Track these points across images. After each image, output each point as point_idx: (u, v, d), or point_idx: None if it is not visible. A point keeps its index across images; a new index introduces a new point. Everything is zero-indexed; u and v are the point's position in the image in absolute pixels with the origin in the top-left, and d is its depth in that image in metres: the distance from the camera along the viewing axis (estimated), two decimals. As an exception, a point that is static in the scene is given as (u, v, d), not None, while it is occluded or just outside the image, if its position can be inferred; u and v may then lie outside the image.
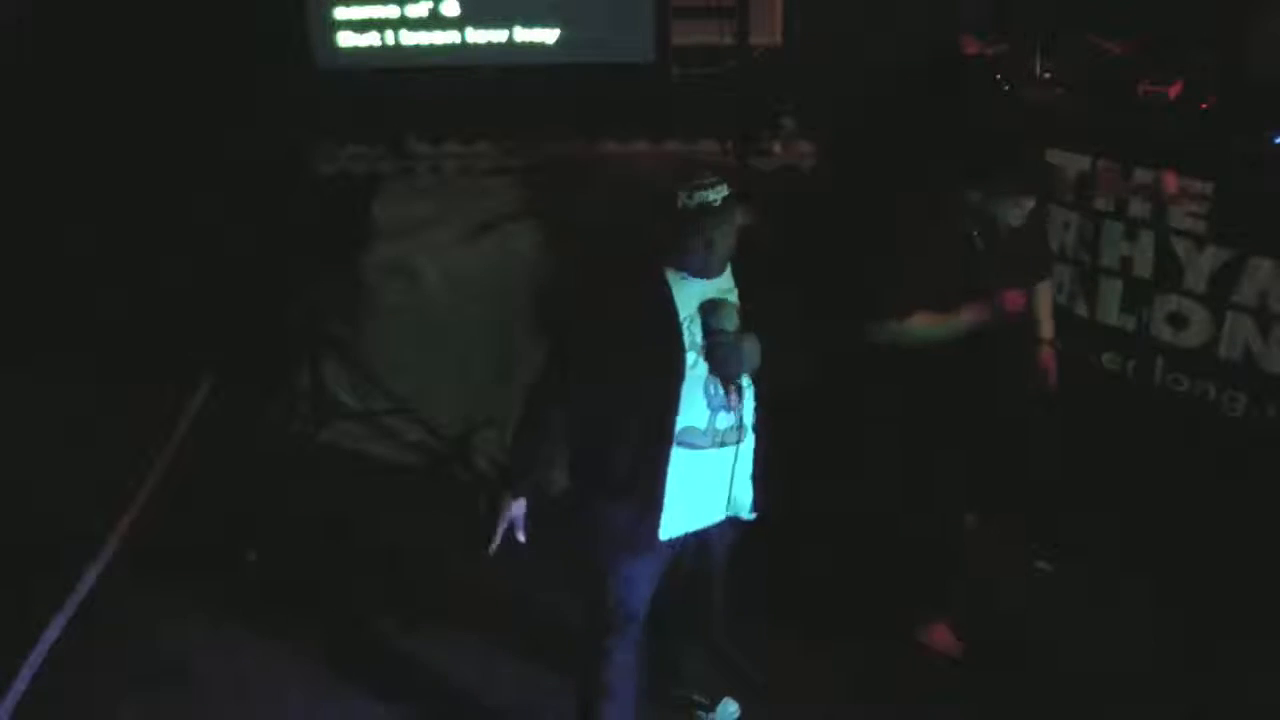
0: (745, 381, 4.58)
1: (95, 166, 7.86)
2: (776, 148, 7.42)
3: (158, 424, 7.26)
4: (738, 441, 4.64)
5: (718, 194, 4.39)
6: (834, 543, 6.23)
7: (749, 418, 4.65)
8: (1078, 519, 6.14)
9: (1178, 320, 6.11)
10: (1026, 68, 6.57)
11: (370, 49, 7.34)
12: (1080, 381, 6.35)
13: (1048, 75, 6.52)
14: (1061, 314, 6.41)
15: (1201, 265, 5.98)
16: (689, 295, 4.51)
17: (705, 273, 4.51)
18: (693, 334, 4.48)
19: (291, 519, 6.53)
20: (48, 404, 7.33)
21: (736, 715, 5.40)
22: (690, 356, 4.49)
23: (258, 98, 7.48)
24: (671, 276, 4.52)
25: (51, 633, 5.84)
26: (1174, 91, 6.12)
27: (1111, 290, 6.29)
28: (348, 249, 7.30)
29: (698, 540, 4.85)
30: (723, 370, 4.49)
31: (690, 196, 4.38)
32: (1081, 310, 6.39)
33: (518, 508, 4.69)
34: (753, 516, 4.84)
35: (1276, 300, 5.78)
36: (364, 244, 7.31)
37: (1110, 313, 6.31)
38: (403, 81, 7.37)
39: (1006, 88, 6.59)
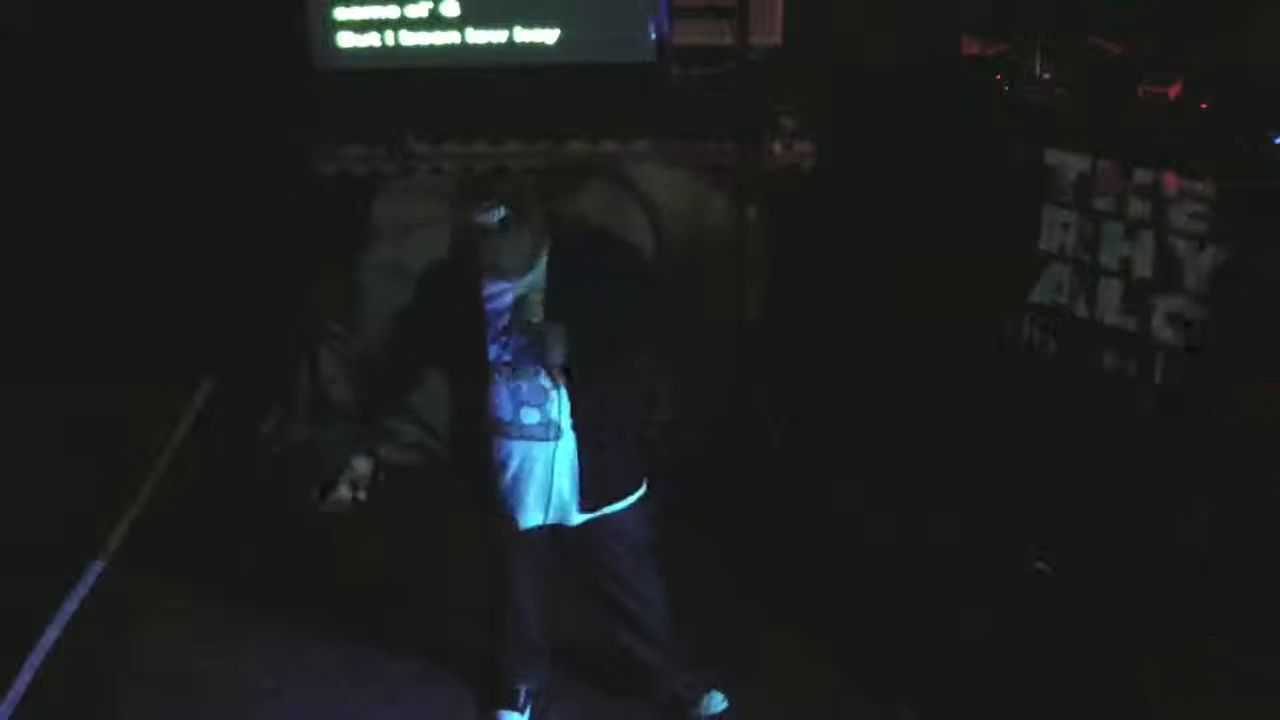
0: (551, 384, 4.75)
1: (95, 167, 7.86)
2: (776, 148, 7.41)
3: (158, 424, 7.27)
4: (550, 439, 4.80)
5: (494, 215, 4.55)
6: (834, 542, 6.25)
7: (565, 419, 4.80)
8: (1078, 519, 6.14)
9: (1177, 320, 6.11)
10: (1026, 68, 6.56)
11: (370, 49, 7.32)
12: (1080, 381, 6.37)
13: (1047, 76, 6.51)
14: (1062, 314, 6.43)
15: (1201, 265, 5.99)
16: (499, 293, 4.73)
17: (502, 276, 4.72)
18: (497, 329, 4.73)
19: (290, 519, 6.53)
20: (48, 404, 7.33)
21: (724, 707, 5.39)
22: (493, 350, 4.74)
23: (258, 98, 7.48)
24: (486, 280, 4.76)
25: (51, 633, 5.85)
26: (1174, 92, 6.11)
27: (1111, 290, 6.29)
28: (347, 249, 7.30)
29: (585, 541, 5.05)
30: (536, 362, 4.70)
31: (471, 218, 4.60)
32: (1081, 310, 6.39)
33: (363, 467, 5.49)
34: (590, 516, 4.95)
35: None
36: (363, 244, 7.31)
37: (1110, 313, 6.31)
38: (402, 82, 7.36)
39: (1006, 88, 6.59)
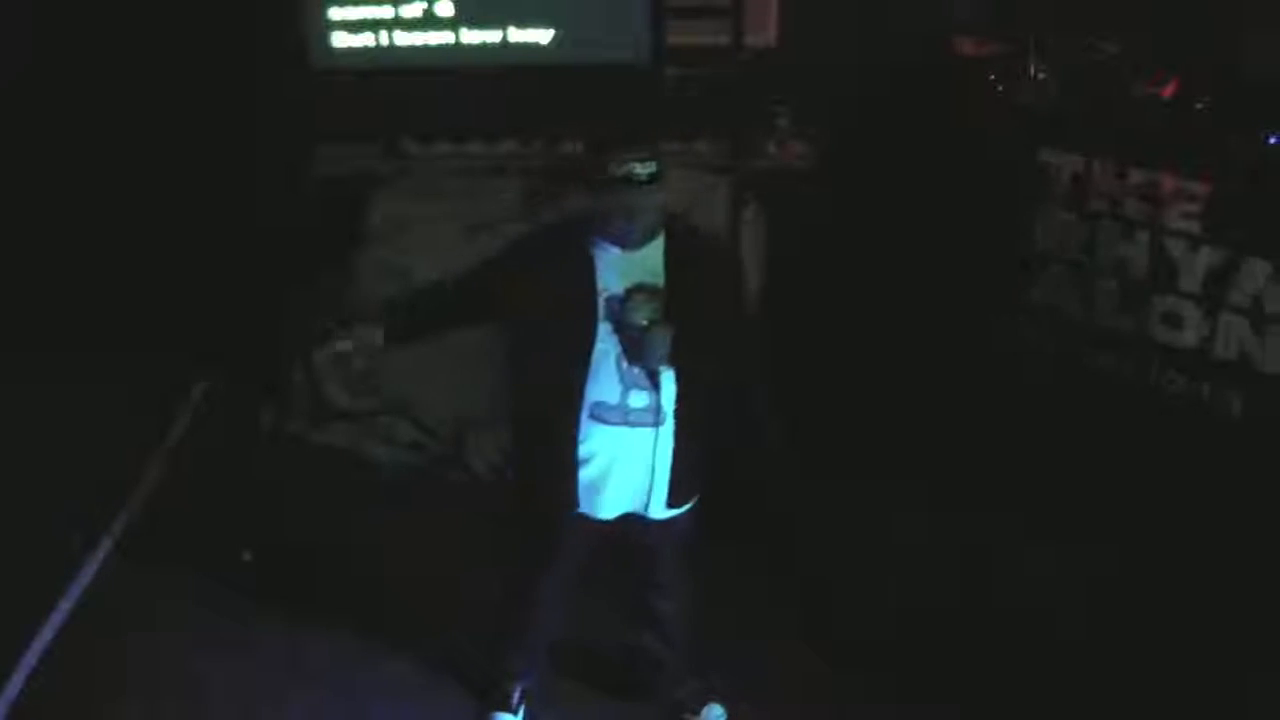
0: (666, 370, 4.59)
1: (93, 167, 7.84)
2: (771, 148, 7.42)
3: (157, 424, 7.26)
4: (654, 424, 4.63)
5: (645, 168, 4.41)
6: (835, 542, 6.26)
7: (669, 404, 4.63)
8: (1076, 519, 6.16)
9: (1173, 321, 6.13)
10: (1021, 68, 6.58)
11: (365, 50, 7.31)
12: (1076, 382, 6.40)
13: (1043, 75, 6.54)
14: (1057, 314, 6.45)
15: (1196, 266, 6.01)
16: (612, 269, 4.55)
17: (624, 243, 4.54)
18: (610, 307, 4.53)
19: (288, 519, 6.53)
20: (48, 404, 7.31)
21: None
22: (604, 329, 4.53)
23: (252, 98, 7.47)
24: (596, 248, 4.57)
25: (50, 633, 5.83)
26: (1169, 92, 6.14)
27: (1107, 291, 6.31)
28: (343, 250, 7.30)
29: (633, 539, 4.92)
30: (632, 361, 4.54)
31: (619, 165, 4.41)
32: (1077, 311, 6.41)
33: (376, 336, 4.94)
34: (671, 513, 4.83)
35: (1271, 301, 5.81)
36: (359, 245, 7.30)
37: (1106, 313, 6.33)
38: (397, 82, 7.35)
39: (1001, 88, 6.61)
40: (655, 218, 4.55)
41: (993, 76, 6.68)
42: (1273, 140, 5.76)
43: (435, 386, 7.09)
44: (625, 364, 4.55)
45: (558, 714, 5.46)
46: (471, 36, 7.34)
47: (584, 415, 4.61)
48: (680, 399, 4.63)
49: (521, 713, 5.38)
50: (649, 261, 4.58)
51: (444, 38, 7.34)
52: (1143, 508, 6.00)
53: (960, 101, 6.81)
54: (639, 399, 4.60)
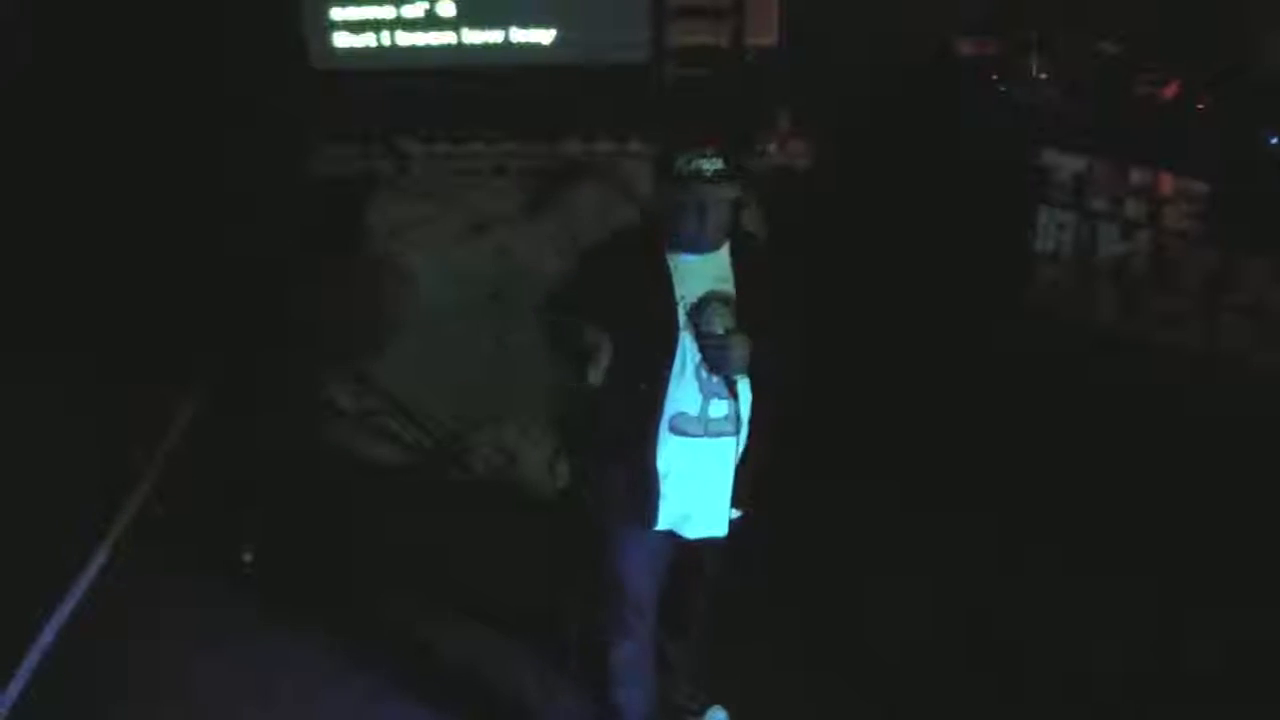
0: (743, 377, 4.49)
1: (94, 167, 7.84)
2: (772, 148, 7.42)
3: (157, 424, 7.26)
4: (734, 433, 4.52)
5: (713, 164, 4.33)
6: (835, 543, 6.26)
7: (745, 411, 4.53)
8: (1076, 519, 6.16)
9: (1173, 320, 6.13)
10: (1022, 68, 6.59)
11: (366, 50, 7.33)
12: (1076, 381, 6.40)
13: (1044, 76, 6.54)
14: (1057, 314, 6.46)
15: (1196, 265, 6.01)
16: (688, 275, 4.45)
17: (698, 245, 4.44)
18: (688, 317, 4.43)
19: (290, 520, 6.53)
20: (48, 404, 7.31)
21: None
22: (685, 338, 4.43)
23: (255, 98, 7.48)
24: (673, 255, 4.47)
25: (51, 633, 5.83)
26: (1170, 92, 6.14)
27: (1107, 290, 6.31)
28: (344, 249, 7.30)
29: (688, 556, 4.78)
30: (713, 369, 4.43)
31: (688, 163, 4.34)
32: (1077, 310, 6.42)
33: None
34: (738, 514, 4.71)
35: (1271, 300, 5.81)
36: (360, 244, 7.30)
37: (1106, 313, 6.33)
38: (399, 82, 7.36)
39: (1002, 88, 6.62)
40: (726, 216, 4.45)
41: (995, 77, 6.68)
42: (1273, 140, 5.76)
43: (435, 386, 7.09)
44: (705, 373, 4.44)
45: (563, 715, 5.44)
46: (473, 37, 7.36)
47: (664, 428, 4.50)
48: (754, 406, 4.55)
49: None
50: (719, 267, 4.50)
51: (445, 38, 7.36)
52: (1144, 508, 6.01)
53: (962, 101, 6.82)
54: (719, 408, 4.49)
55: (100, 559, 6.30)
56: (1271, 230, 5.80)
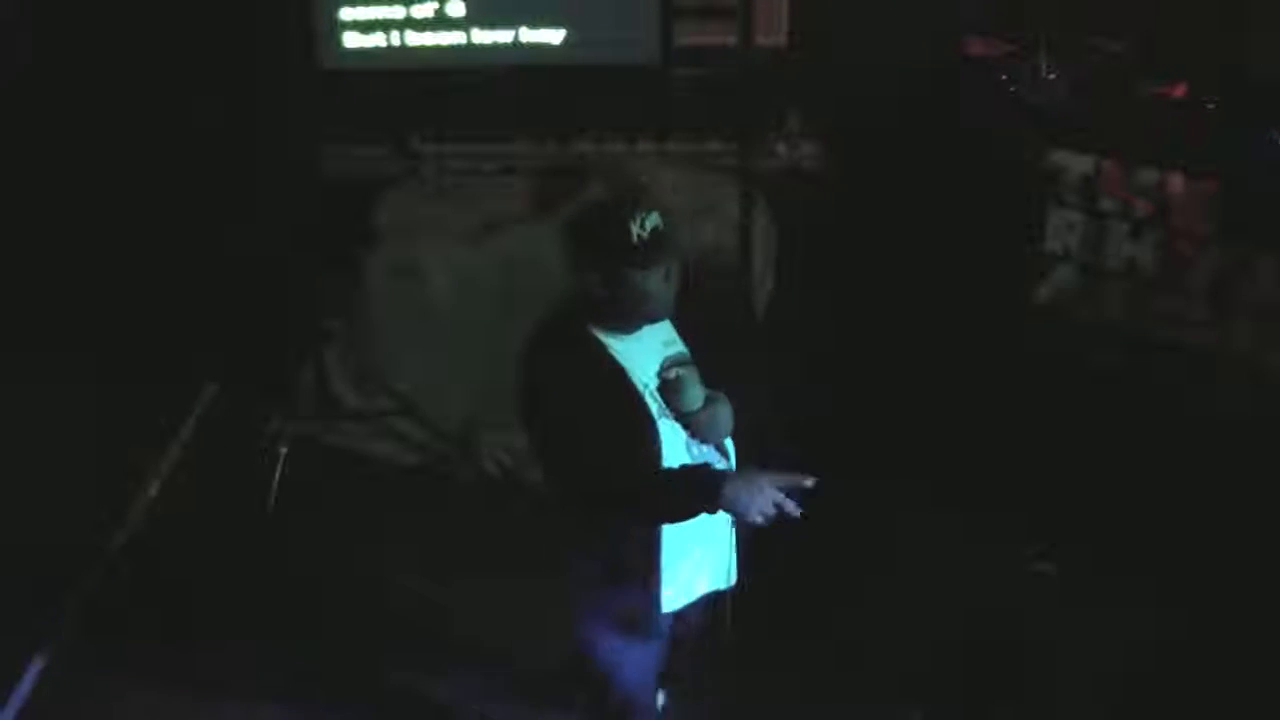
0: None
1: (95, 167, 7.85)
2: (781, 148, 7.41)
3: (158, 424, 7.28)
4: None
5: (652, 220, 3.71)
6: (835, 543, 6.24)
7: (734, 463, 4.12)
8: (1080, 519, 6.14)
9: (1181, 320, 6.11)
10: (1031, 68, 6.56)
11: (375, 50, 7.34)
12: (1084, 381, 6.37)
13: (1052, 76, 6.52)
14: (1065, 315, 6.43)
15: (1205, 266, 5.98)
16: (637, 355, 3.91)
17: (653, 319, 3.89)
18: (657, 399, 3.91)
19: (294, 520, 6.54)
20: (48, 404, 7.34)
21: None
22: (664, 425, 3.91)
23: (262, 98, 7.49)
24: (610, 341, 3.89)
25: (50, 634, 5.85)
26: (1179, 92, 6.11)
27: (1116, 291, 6.29)
28: (352, 250, 7.31)
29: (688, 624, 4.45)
30: (704, 441, 3.98)
31: (641, 225, 3.68)
32: (1085, 311, 6.39)
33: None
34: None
35: (1281, 301, 5.80)
36: (369, 245, 7.31)
37: (1114, 313, 6.31)
38: (408, 82, 7.37)
39: (1010, 89, 6.59)
40: (672, 286, 3.83)
41: (1003, 77, 6.65)
42: (1282, 140, 5.73)
43: (445, 387, 7.10)
44: (694, 447, 3.97)
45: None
46: (482, 37, 7.36)
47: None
48: (739, 457, 4.16)
49: None
50: (663, 329, 3.99)
51: (455, 38, 7.36)
52: (1149, 509, 5.98)
53: (969, 102, 6.79)
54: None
55: (104, 558, 6.33)
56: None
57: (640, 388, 3.88)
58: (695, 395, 3.91)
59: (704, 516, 3.84)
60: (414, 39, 7.37)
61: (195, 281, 7.73)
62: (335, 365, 7.32)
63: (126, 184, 7.85)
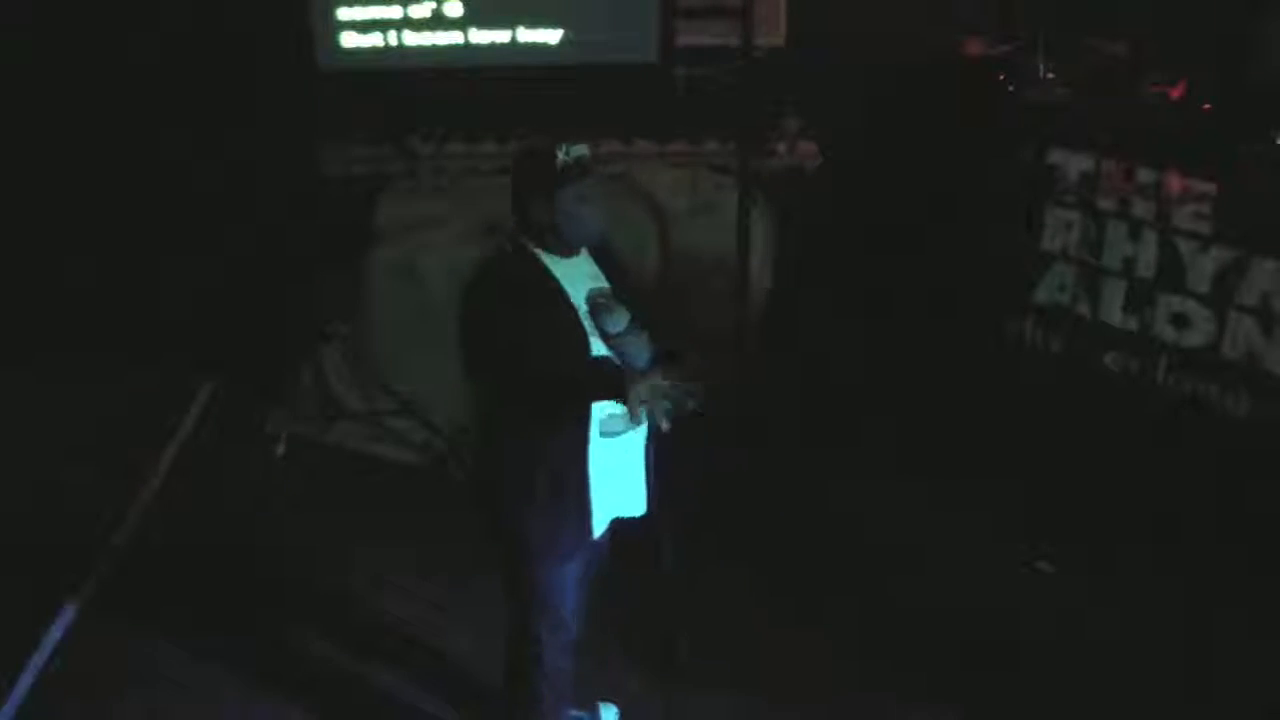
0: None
1: (96, 167, 7.87)
2: (780, 148, 7.41)
3: (158, 424, 7.27)
4: (643, 421, 4.42)
5: (578, 150, 4.29)
6: (835, 543, 6.25)
7: None
8: (1079, 519, 6.14)
9: (1180, 320, 6.11)
10: (1030, 68, 6.57)
11: (374, 50, 7.33)
12: (1083, 381, 6.37)
13: (1051, 76, 6.52)
14: (1064, 314, 6.43)
15: (1204, 265, 5.98)
16: (570, 279, 4.38)
17: (587, 240, 4.42)
18: (589, 320, 4.37)
19: (294, 519, 6.54)
20: (48, 404, 7.34)
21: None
22: (595, 344, 4.37)
23: (261, 98, 7.49)
24: (550, 262, 4.39)
25: (52, 633, 5.84)
26: (1177, 92, 6.12)
27: (1114, 290, 6.28)
28: (351, 249, 7.30)
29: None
30: (627, 362, 4.37)
31: (568, 153, 4.27)
32: (1084, 310, 6.39)
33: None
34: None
35: (1279, 301, 5.78)
36: (367, 244, 7.31)
37: (1113, 313, 6.30)
38: (406, 82, 7.36)
39: (1010, 88, 6.60)
40: (600, 215, 4.41)
41: (1001, 76, 6.66)
42: (1281, 140, 5.74)
43: (444, 387, 7.08)
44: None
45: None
46: (480, 37, 7.36)
47: (595, 435, 4.40)
48: None
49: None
50: (588, 263, 4.48)
51: (453, 38, 7.35)
52: (1147, 507, 5.98)
53: (969, 101, 6.79)
54: None
55: (104, 558, 6.32)
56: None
57: (576, 303, 4.37)
58: (620, 319, 4.38)
59: (623, 447, 4.44)
60: (412, 39, 7.37)
61: (194, 281, 7.74)
62: (334, 365, 7.31)
63: (126, 184, 7.87)
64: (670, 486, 4.71)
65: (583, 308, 4.37)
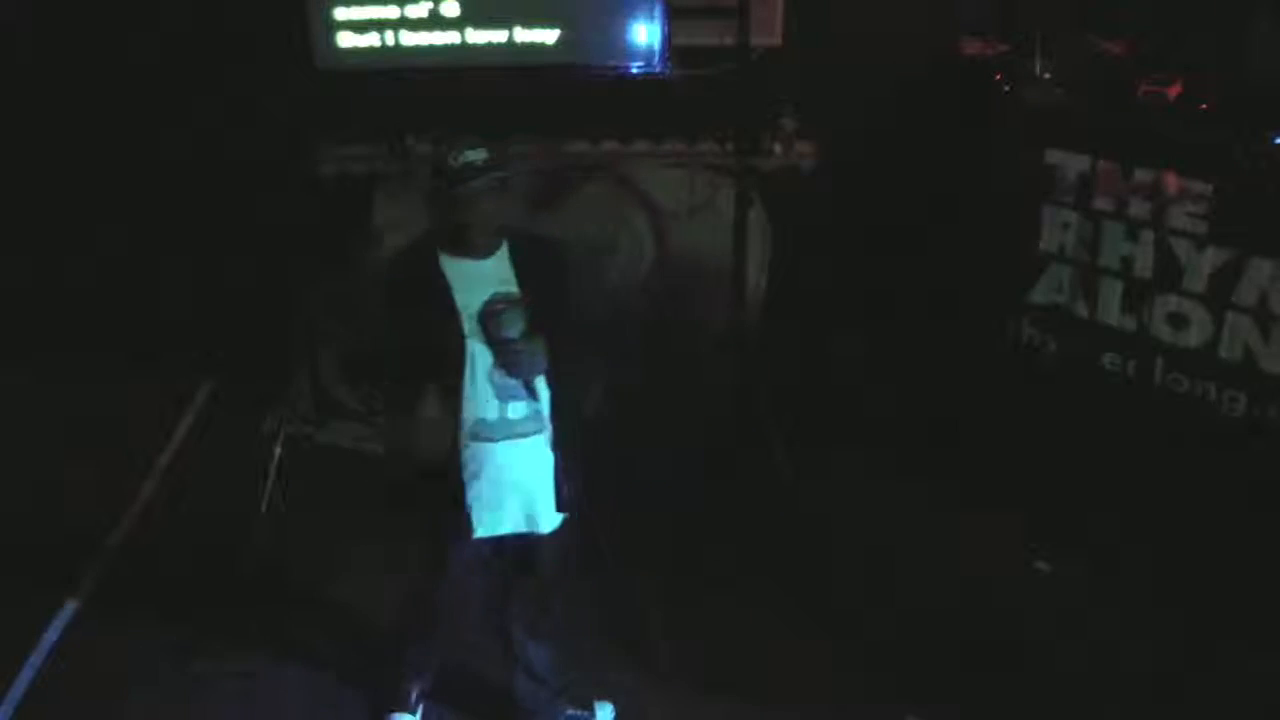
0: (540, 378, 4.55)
1: (96, 167, 7.85)
2: (777, 148, 7.41)
3: (158, 424, 7.27)
4: (538, 431, 4.58)
5: (478, 154, 4.37)
6: (835, 542, 6.26)
7: (547, 410, 4.59)
8: (1078, 519, 6.15)
9: (1178, 320, 6.11)
10: (1026, 68, 6.57)
11: (370, 49, 7.30)
12: (1080, 381, 6.38)
13: (1048, 76, 6.53)
14: (1062, 314, 6.44)
15: (1201, 265, 5.99)
16: (469, 281, 4.48)
17: (470, 248, 4.49)
18: (474, 324, 4.45)
19: (290, 519, 6.53)
20: (48, 404, 7.33)
21: (613, 717, 5.34)
22: (472, 346, 4.46)
23: (258, 98, 7.47)
24: (447, 263, 4.50)
25: (52, 633, 5.84)
26: (1174, 92, 6.12)
27: (1112, 290, 6.29)
28: (348, 249, 7.30)
29: (522, 542, 4.84)
30: (513, 375, 4.47)
31: (455, 158, 4.37)
32: (1081, 310, 6.39)
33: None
34: (560, 516, 4.76)
35: (1276, 301, 5.79)
36: (364, 244, 7.30)
37: (1110, 313, 6.31)
38: (402, 82, 7.34)
39: (1006, 88, 6.60)
40: (492, 225, 4.50)
41: (999, 77, 6.66)
42: (1278, 140, 5.73)
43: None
44: (498, 377, 4.48)
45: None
46: (477, 37, 7.33)
47: (466, 436, 4.55)
48: (555, 404, 4.62)
49: (419, 713, 5.36)
50: (501, 269, 4.54)
51: (449, 38, 7.32)
52: (1145, 507, 5.99)
53: (966, 102, 6.80)
54: (517, 410, 4.55)
55: (104, 558, 6.31)
56: (1276, 231, 5.77)
57: (460, 306, 4.46)
58: (512, 327, 4.40)
59: (520, 455, 4.57)
60: (408, 39, 7.35)
61: (194, 281, 7.73)
62: (330, 365, 7.31)
63: (126, 184, 7.86)
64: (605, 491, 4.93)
65: (471, 308, 4.45)
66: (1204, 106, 6.03)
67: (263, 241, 7.47)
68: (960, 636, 5.67)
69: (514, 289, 4.49)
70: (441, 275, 4.50)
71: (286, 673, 5.63)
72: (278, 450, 6.72)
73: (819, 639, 5.70)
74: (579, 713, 5.28)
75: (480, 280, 4.49)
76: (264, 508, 6.54)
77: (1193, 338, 6.08)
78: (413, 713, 5.34)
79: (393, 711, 5.33)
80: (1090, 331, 6.38)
